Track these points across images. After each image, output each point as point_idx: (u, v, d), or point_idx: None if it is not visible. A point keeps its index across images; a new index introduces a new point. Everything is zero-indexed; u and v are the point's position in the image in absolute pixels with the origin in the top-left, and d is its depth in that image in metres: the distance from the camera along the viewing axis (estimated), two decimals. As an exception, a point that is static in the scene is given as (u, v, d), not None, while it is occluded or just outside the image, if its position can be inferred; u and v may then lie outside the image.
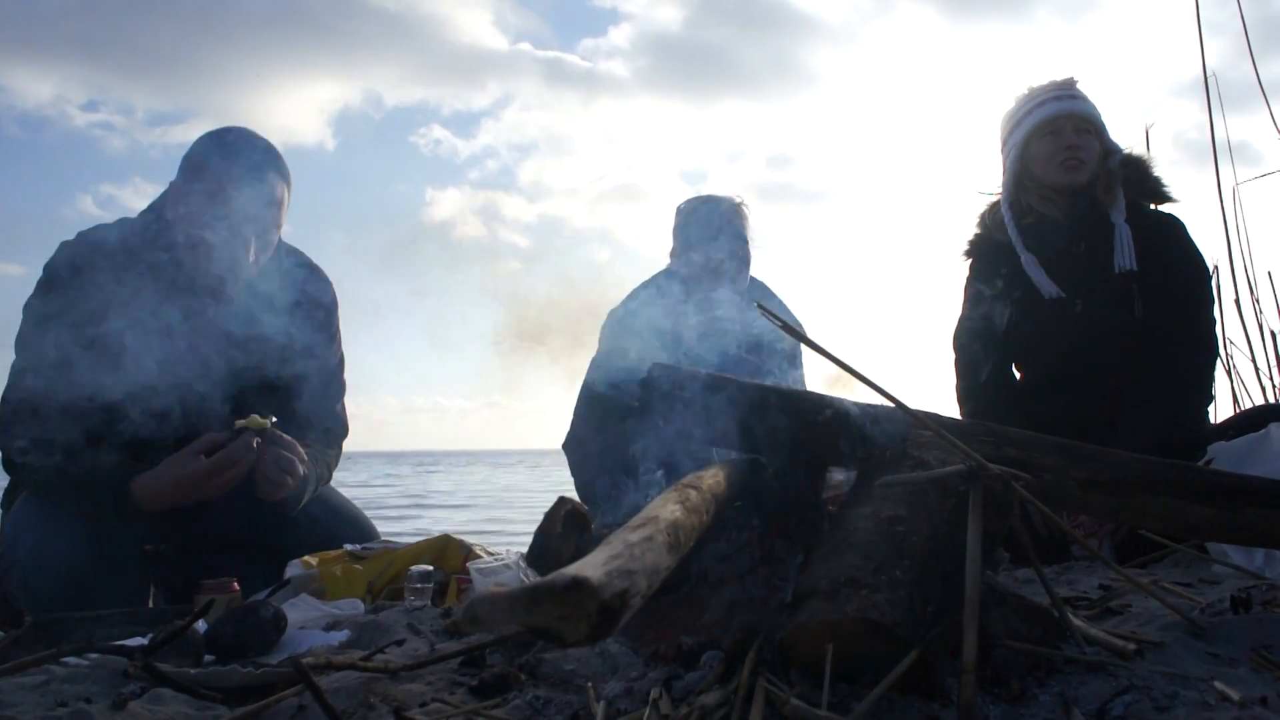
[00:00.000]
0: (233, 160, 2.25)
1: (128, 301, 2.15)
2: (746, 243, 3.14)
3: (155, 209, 2.33)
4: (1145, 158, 2.77)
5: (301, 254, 2.55)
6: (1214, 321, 2.69)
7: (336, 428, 2.58)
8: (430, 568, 2.07)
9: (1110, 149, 2.69)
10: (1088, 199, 2.64)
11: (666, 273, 3.26)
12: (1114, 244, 2.56)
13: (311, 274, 2.55)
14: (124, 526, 2.09)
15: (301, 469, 2.21)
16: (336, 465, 2.57)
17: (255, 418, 2.16)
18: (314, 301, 2.49)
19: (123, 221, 2.35)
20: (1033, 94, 2.73)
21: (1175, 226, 2.64)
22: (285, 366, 2.40)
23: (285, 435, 2.20)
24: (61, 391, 2.12)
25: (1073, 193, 2.65)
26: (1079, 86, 2.71)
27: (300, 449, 2.23)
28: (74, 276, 2.17)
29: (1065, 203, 2.66)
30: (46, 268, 2.25)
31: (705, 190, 4.15)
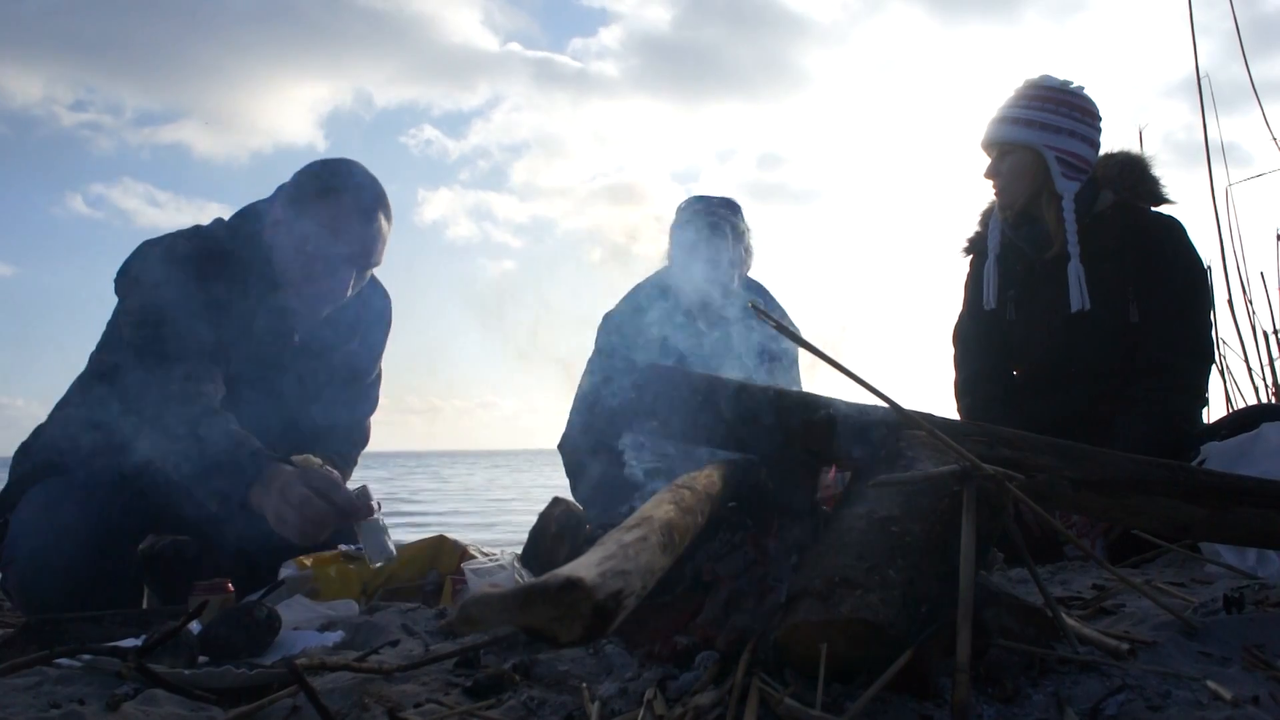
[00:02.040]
0: (355, 204, 2.22)
1: (215, 303, 2.11)
2: (739, 245, 3.15)
3: (245, 228, 2.27)
4: (1145, 157, 2.73)
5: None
6: (1210, 325, 2.68)
7: (360, 440, 2.60)
8: (371, 486, 2.02)
9: (1044, 158, 2.56)
10: (1032, 230, 2.65)
11: (663, 273, 3.26)
12: (1069, 288, 2.55)
13: (382, 294, 2.56)
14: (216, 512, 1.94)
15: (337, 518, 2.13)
16: (350, 475, 2.57)
17: (310, 458, 2.04)
18: (380, 320, 2.52)
19: (200, 231, 2.26)
20: None
21: (1174, 229, 2.60)
22: (348, 383, 2.41)
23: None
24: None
25: (1013, 216, 2.68)
26: (1022, 93, 2.64)
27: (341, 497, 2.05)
28: (168, 272, 2.10)
29: (1016, 222, 2.70)
30: (131, 263, 2.18)
31: (698, 190, 4.16)
